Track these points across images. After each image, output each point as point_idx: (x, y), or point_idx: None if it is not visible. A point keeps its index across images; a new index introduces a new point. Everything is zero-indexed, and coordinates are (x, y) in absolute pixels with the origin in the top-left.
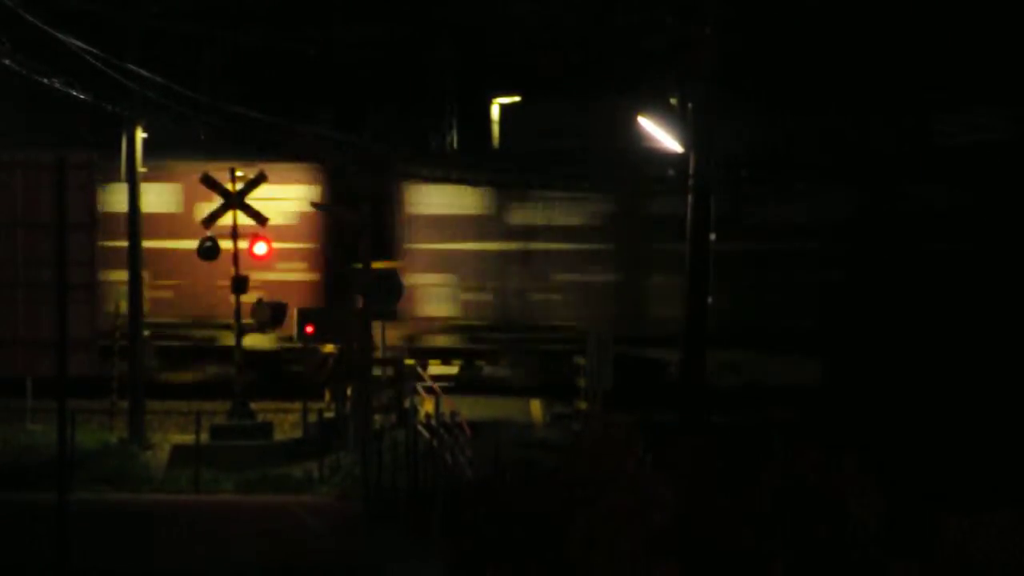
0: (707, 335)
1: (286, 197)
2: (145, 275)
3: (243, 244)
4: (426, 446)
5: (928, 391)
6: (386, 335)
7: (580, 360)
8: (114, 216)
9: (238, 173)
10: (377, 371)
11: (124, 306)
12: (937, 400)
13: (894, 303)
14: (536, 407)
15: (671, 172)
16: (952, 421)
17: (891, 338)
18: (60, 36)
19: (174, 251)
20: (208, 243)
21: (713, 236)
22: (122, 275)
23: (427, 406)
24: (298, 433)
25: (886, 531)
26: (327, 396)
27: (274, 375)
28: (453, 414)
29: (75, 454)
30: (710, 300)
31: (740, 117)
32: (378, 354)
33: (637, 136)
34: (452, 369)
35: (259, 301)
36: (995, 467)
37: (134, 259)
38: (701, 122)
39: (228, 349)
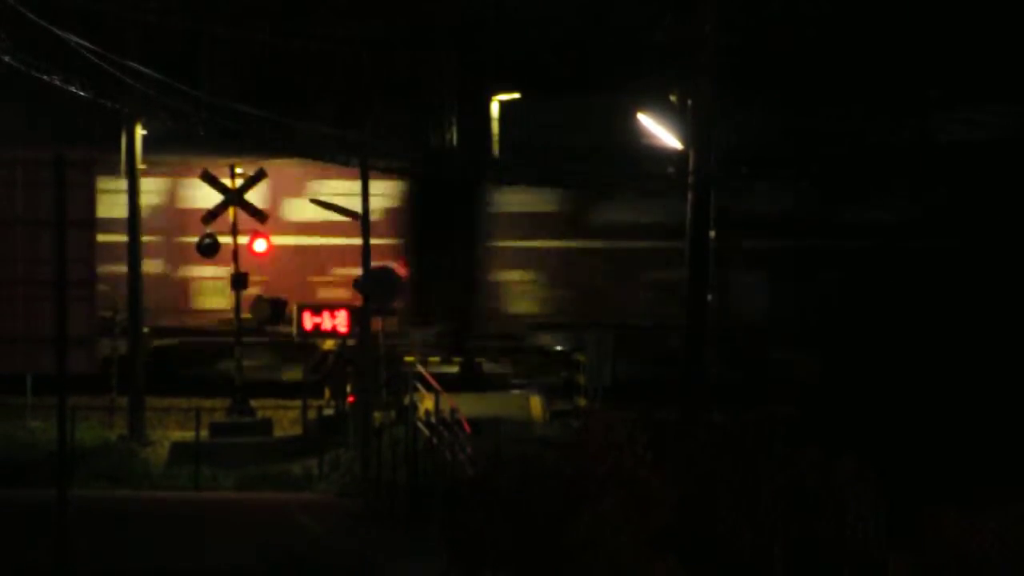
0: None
1: (372, 193)
2: None
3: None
4: (426, 443)
5: (926, 388)
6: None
7: (580, 357)
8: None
9: (238, 171)
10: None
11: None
12: (935, 397)
13: (889, 300)
14: (536, 404)
15: (671, 169)
16: (950, 419)
17: (888, 336)
18: (59, 32)
19: None
20: (207, 240)
21: (713, 233)
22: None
23: (427, 403)
24: (298, 430)
25: (886, 530)
26: (327, 393)
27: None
28: (452, 411)
29: (75, 451)
30: (709, 297)
31: (741, 114)
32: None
33: (636, 133)
34: (453, 368)
35: (259, 297)
36: (992, 465)
37: (134, 257)
38: (701, 119)
39: None
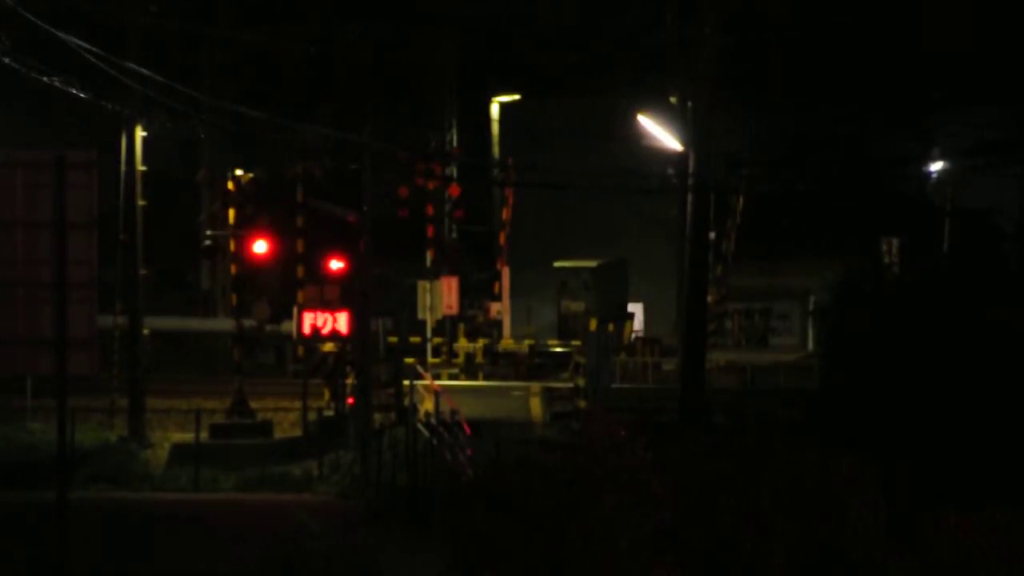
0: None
1: None
2: None
3: None
4: (426, 445)
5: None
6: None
7: (580, 359)
8: None
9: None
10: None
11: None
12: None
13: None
14: (536, 405)
15: (670, 171)
16: (950, 419)
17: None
18: (60, 34)
19: None
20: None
21: (712, 235)
22: None
23: (427, 404)
24: (298, 431)
25: (886, 531)
26: (326, 395)
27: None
28: (453, 412)
29: (75, 453)
30: (709, 299)
31: (740, 115)
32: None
33: (636, 134)
34: (453, 369)
35: (259, 299)
36: (994, 465)
37: (134, 258)
38: (701, 120)
39: None
